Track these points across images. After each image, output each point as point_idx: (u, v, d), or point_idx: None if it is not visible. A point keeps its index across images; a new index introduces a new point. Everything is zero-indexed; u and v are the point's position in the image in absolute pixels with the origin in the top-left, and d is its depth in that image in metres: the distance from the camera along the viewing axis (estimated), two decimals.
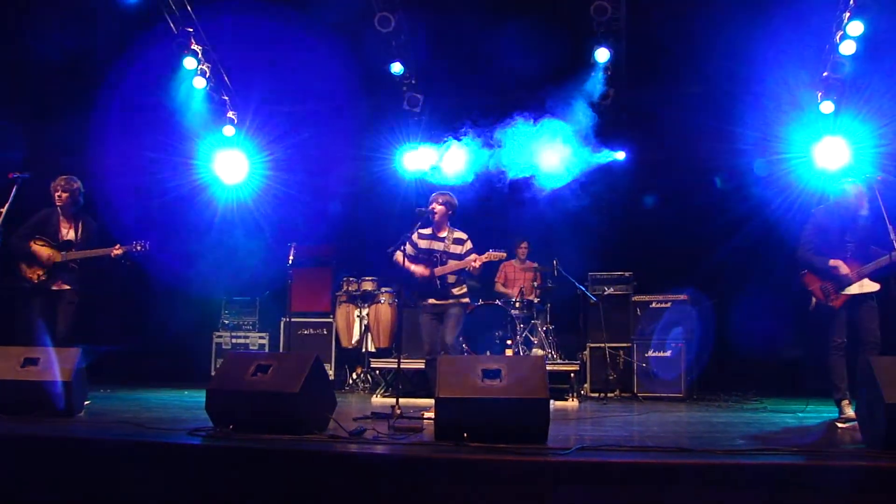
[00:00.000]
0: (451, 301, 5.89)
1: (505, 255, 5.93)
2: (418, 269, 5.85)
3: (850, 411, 5.24)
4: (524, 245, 8.74)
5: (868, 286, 5.41)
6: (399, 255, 5.76)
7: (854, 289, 5.41)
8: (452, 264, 5.84)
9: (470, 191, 8.67)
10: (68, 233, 6.19)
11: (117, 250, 6.10)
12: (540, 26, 7.96)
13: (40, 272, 6.08)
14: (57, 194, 6.14)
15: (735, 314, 8.43)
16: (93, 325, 8.66)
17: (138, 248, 6.16)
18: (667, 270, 8.81)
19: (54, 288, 6.08)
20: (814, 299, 5.57)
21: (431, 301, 5.91)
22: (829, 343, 5.46)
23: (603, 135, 8.80)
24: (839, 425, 5.04)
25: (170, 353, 9.46)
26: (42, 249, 6.10)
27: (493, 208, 9.41)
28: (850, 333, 5.44)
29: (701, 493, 3.16)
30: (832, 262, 5.45)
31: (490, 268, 8.65)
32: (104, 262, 6.25)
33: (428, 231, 5.99)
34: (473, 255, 5.82)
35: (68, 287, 6.09)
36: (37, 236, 6.13)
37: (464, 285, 6.00)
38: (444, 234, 5.94)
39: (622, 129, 9.12)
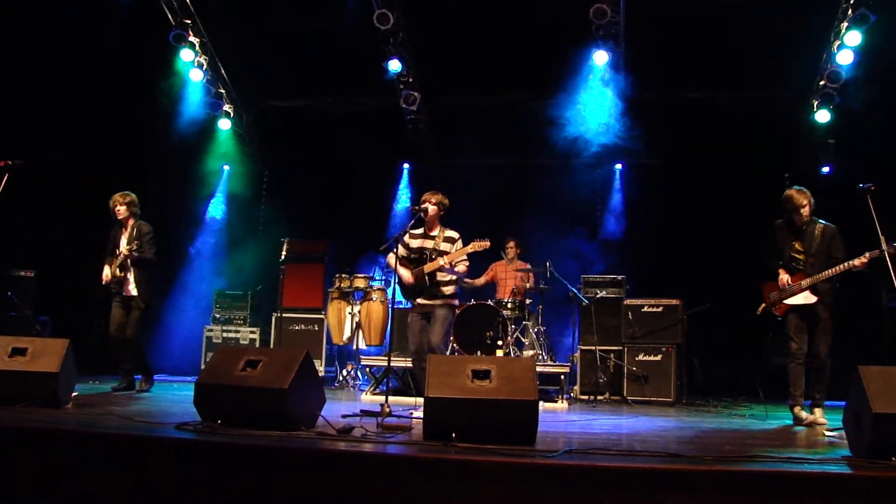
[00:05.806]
0: (439, 301, 5.86)
1: (489, 244, 5.77)
2: (405, 276, 5.85)
3: (803, 415, 5.64)
4: (511, 245, 8.67)
5: (808, 297, 5.62)
6: (391, 258, 5.77)
7: (797, 299, 5.65)
8: (440, 261, 5.79)
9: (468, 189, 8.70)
10: (123, 242, 6.82)
11: (125, 251, 6.69)
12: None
13: (112, 284, 6.82)
14: (115, 209, 6.81)
15: (726, 319, 8.46)
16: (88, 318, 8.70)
17: (133, 252, 6.64)
18: (659, 274, 8.83)
19: (125, 293, 6.78)
20: (762, 304, 5.90)
21: (420, 301, 5.93)
22: (787, 350, 5.77)
23: (601, 140, 8.81)
24: (826, 433, 5.07)
25: (160, 346, 9.43)
26: (105, 273, 6.81)
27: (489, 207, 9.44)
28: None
29: (688, 498, 3.16)
30: (780, 270, 5.75)
31: (481, 267, 8.65)
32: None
33: (419, 231, 6.01)
34: (457, 246, 5.79)
35: (134, 294, 6.77)
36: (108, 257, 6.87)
37: (453, 286, 5.97)
38: (435, 232, 5.94)
39: (621, 134, 9.13)
